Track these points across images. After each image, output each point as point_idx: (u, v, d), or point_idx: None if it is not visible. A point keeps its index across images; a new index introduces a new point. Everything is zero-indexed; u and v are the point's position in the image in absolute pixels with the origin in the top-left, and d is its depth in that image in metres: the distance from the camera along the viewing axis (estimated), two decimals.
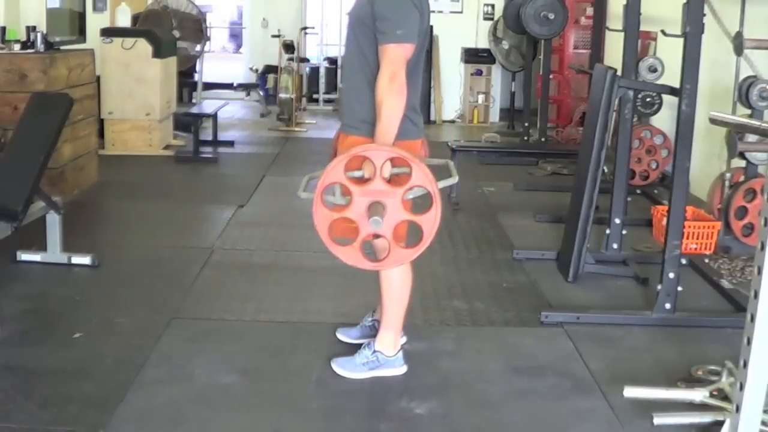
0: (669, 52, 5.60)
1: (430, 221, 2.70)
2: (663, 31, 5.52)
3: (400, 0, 2.82)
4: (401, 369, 3.13)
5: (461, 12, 10.46)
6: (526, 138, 8.08)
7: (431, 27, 10.00)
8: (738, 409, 2.31)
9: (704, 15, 3.61)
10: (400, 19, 2.79)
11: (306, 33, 11.00)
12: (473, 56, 10.23)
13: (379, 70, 2.80)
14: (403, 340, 3.28)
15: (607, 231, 4.57)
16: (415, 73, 2.97)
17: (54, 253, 4.27)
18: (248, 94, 11.34)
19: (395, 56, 2.77)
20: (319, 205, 2.69)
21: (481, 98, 10.33)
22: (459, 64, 10.41)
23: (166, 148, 7.76)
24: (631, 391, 2.95)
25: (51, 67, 5.41)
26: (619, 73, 4.27)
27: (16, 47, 5.58)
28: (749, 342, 2.23)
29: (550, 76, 8.30)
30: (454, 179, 2.89)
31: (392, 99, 2.76)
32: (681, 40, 3.64)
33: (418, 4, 2.88)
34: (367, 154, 2.69)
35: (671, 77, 4.77)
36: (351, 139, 2.93)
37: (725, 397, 2.84)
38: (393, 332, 3.11)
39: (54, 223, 4.26)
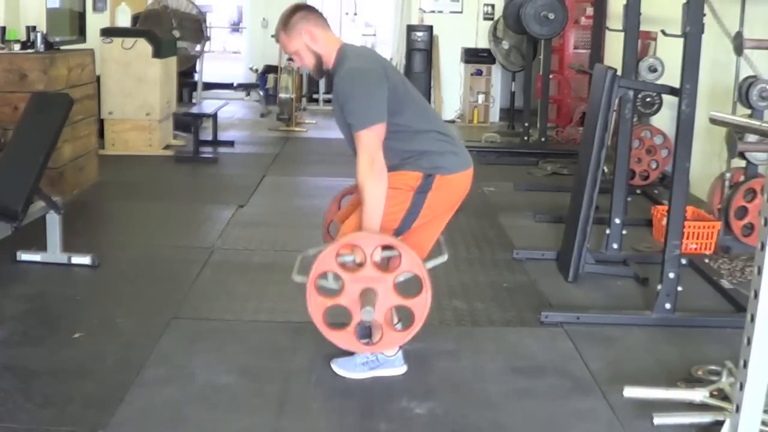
0: (669, 52, 5.60)
1: (422, 305, 2.82)
2: (663, 31, 5.52)
3: (356, 85, 2.86)
4: (401, 368, 3.13)
5: (461, 12, 10.45)
6: (526, 138, 8.08)
7: (431, 27, 10.03)
8: (738, 409, 2.31)
9: (704, 15, 3.61)
10: (363, 105, 2.84)
11: None
12: (473, 56, 10.22)
13: (357, 156, 2.85)
14: (399, 326, 3.28)
15: (607, 231, 4.57)
16: (415, 105, 3.01)
17: (54, 253, 4.27)
18: (248, 94, 11.33)
19: (369, 142, 2.83)
20: (313, 294, 2.81)
21: (481, 98, 10.32)
22: (459, 64, 10.40)
23: (166, 148, 7.76)
24: (631, 391, 2.95)
25: (51, 67, 5.41)
26: (619, 73, 4.27)
27: (16, 47, 5.58)
28: (749, 342, 2.23)
29: (550, 76, 8.30)
30: (443, 258, 3.03)
31: (374, 184, 2.82)
32: (681, 40, 3.64)
33: (377, 77, 2.88)
34: (358, 243, 2.79)
35: (671, 77, 4.77)
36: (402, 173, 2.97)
37: (725, 397, 2.84)
38: None
39: (54, 223, 4.26)
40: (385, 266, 2.85)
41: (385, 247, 2.81)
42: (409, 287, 2.91)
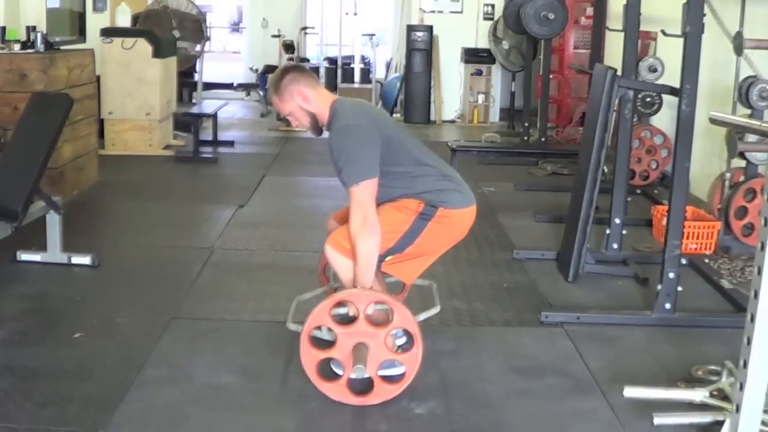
0: (669, 52, 5.60)
1: (413, 360, 2.88)
2: (663, 31, 5.52)
3: (347, 142, 2.91)
4: (401, 369, 3.12)
5: (461, 12, 10.45)
6: (526, 138, 8.07)
7: (431, 27, 10.03)
8: (738, 409, 2.31)
9: (704, 15, 3.61)
10: (352, 162, 2.88)
11: (306, 33, 11.00)
12: (473, 56, 10.23)
13: (350, 212, 2.90)
14: (403, 340, 3.28)
15: (607, 231, 4.57)
16: (413, 153, 3.06)
17: (54, 253, 4.27)
18: (248, 94, 11.33)
19: (360, 197, 2.87)
20: (306, 346, 2.87)
21: (481, 98, 10.33)
22: (459, 64, 10.40)
23: (166, 148, 7.76)
24: (631, 391, 2.95)
25: (51, 67, 5.41)
26: (619, 73, 4.27)
27: (16, 47, 5.58)
28: (749, 342, 2.23)
29: (550, 76, 8.29)
30: (435, 309, 3.11)
31: (366, 241, 2.86)
32: (681, 40, 3.64)
33: (368, 131, 2.93)
34: (351, 299, 2.85)
35: (671, 77, 4.77)
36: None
37: (725, 397, 2.84)
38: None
39: (54, 223, 4.26)
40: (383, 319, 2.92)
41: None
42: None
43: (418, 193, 3.01)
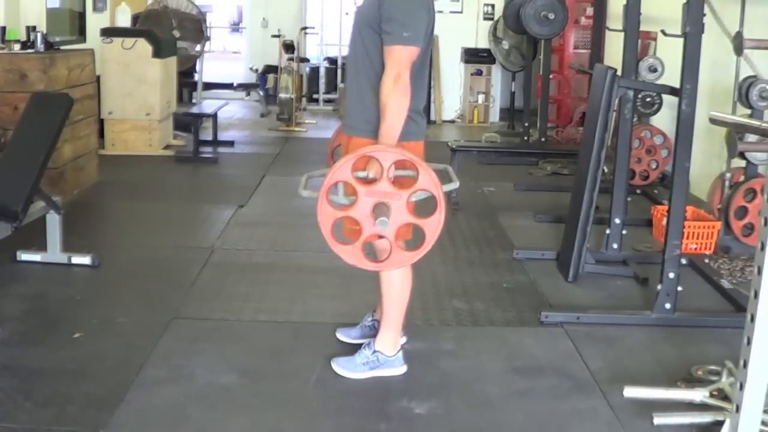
0: (669, 52, 5.60)
1: (434, 225, 2.70)
2: (663, 31, 5.52)
3: (409, 2, 2.82)
4: (401, 369, 3.13)
5: (461, 12, 10.46)
6: (526, 138, 8.07)
7: None
8: (738, 409, 2.31)
9: (704, 15, 3.62)
10: (407, 21, 2.79)
11: (306, 33, 11.00)
12: (473, 56, 10.23)
13: (384, 70, 2.79)
14: (403, 340, 3.28)
15: (607, 231, 4.57)
16: (421, 75, 2.97)
17: (54, 253, 4.27)
18: (248, 94, 11.33)
19: (401, 57, 2.77)
20: (324, 203, 2.68)
21: (481, 98, 10.33)
22: (459, 64, 10.40)
23: (166, 148, 7.76)
24: (631, 391, 2.95)
25: (51, 67, 5.41)
26: (619, 73, 4.27)
27: (16, 47, 5.57)
28: (749, 342, 2.24)
29: (550, 76, 8.29)
30: (455, 184, 2.90)
31: (396, 100, 2.76)
32: (681, 40, 3.64)
33: (427, 7, 2.89)
34: (376, 155, 2.68)
35: (671, 77, 4.77)
36: (356, 141, 2.93)
37: (725, 397, 2.84)
38: (393, 332, 3.12)
39: (54, 223, 4.26)
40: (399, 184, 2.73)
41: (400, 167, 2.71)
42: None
43: (378, 120, 2.84)
